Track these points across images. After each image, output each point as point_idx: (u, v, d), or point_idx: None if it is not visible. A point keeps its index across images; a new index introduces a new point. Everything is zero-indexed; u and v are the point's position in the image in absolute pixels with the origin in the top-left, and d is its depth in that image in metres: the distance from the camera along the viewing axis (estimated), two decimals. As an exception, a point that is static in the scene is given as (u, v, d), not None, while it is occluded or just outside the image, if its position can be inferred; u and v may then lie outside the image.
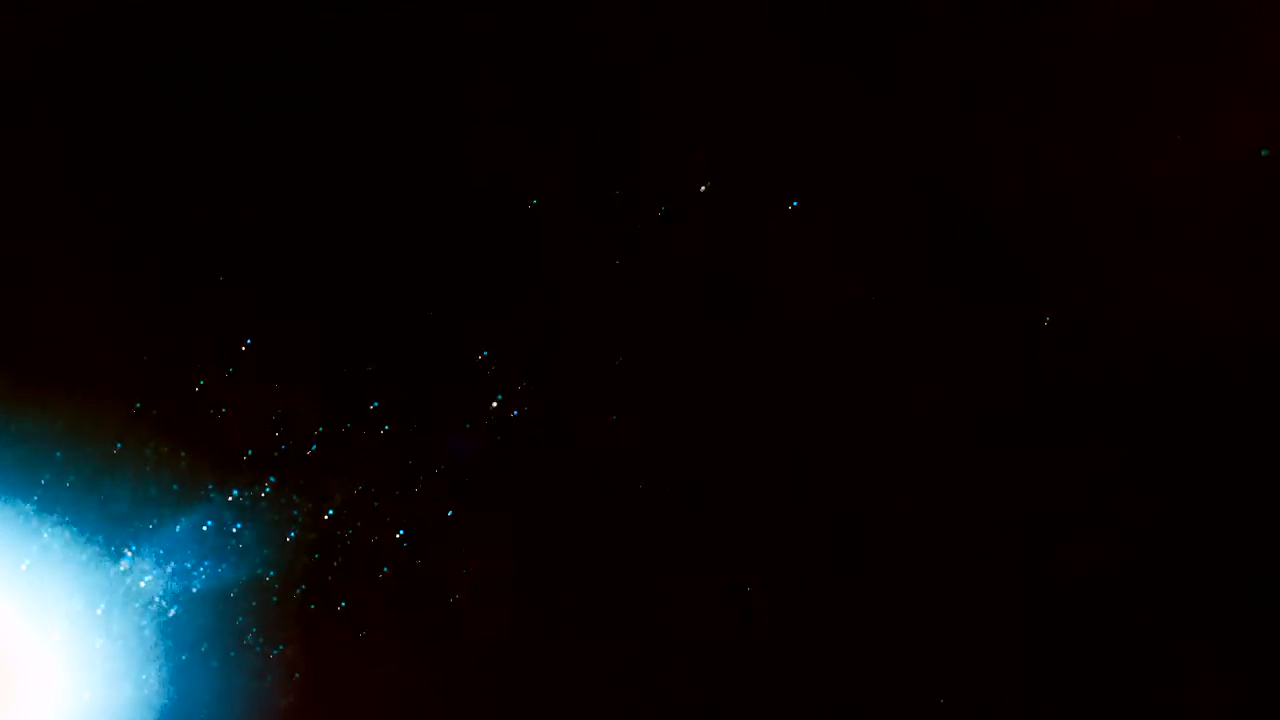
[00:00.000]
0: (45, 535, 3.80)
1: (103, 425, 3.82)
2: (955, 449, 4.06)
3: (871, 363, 4.06)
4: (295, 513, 3.94)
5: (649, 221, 3.97)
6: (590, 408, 4.04)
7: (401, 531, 3.98)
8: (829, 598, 4.07)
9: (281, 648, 3.94)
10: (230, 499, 3.90)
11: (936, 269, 4.01)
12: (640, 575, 4.08)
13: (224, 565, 3.90)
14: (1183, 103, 3.88)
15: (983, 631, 4.06)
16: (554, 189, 3.97)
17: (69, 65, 3.83)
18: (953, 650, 4.06)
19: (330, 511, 3.95)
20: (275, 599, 3.93)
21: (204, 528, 3.89)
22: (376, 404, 3.95)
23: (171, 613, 3.87)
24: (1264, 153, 3.85)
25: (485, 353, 3.97)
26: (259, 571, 3.92)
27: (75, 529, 3.82)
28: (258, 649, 3.92)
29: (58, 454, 3.79)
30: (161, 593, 3.87)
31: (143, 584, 3.86)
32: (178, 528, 3.88)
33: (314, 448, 3.93)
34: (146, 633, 3.87)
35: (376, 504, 3.97)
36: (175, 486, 3.87)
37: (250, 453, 3.91)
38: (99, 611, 3.84)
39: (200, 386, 3.86)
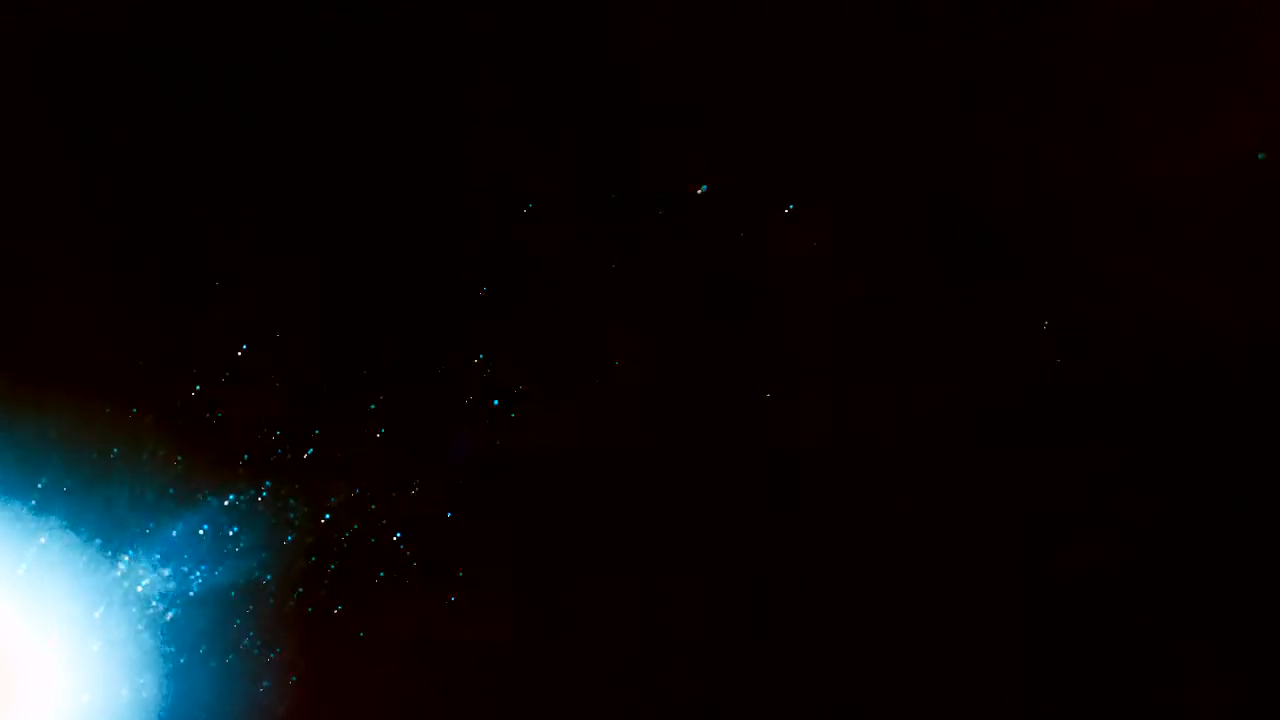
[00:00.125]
0: (43, 537, 3.79)
1: (101, 427, 3.81)
2: (955, 449, 4.06)
3: (871, 363, 4.06)
4: (292, 515, 3.93)
5: (649, 221, 3.97)
6: (589, 409, 4.04)
7: (399, 534, 3.97)
8: (829, 598, 4.07)
9: (279, 650, 3.94)
10: (228, 501, 3.89)
11: (936, 269, 4.01)
12: (640, 575, 4.08)
13: (222, 567, 3.90)
14: (1183, 103, 3.89)
15: (983, 631, 4.06)
16: (554, 189, 3.97)
17: (69, 65, 3.83)
18: (953, 650, 4.06)
19: (328, 514, 3.94)
20: (273, 601, 3.93)
21: (202, 530, 3.88)
22: (375, 406, 3.94)
23: (169, 615, 3.87)
24: (1260, 156, 3.86)
25: (483, 354, 3.97)
26: (257, 574, 3.92)
27: (73, 531, 3.81)
28: (256, 651, 3.91)
29: (56, 456, 3.78)
30: (159, 595, 3.86)
31: (141, 586, 3.85)
32: (176, 530, 3.87)
33: (311, 450, 3.93)
34: (144, 635, 3.86)
35: (374, 506, 3.96)
36: (173, 489, 3.86)
37: (248, 455, 3.90)
38: (97, 614, 3.83)
39: (199, 388, 3.86)
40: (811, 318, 4.03)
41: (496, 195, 3.97)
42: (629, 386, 4.04)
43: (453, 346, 3.98)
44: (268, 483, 3.91)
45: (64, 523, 3.80)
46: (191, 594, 3.88)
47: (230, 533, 3.90)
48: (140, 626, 3.85)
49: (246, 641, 3.91)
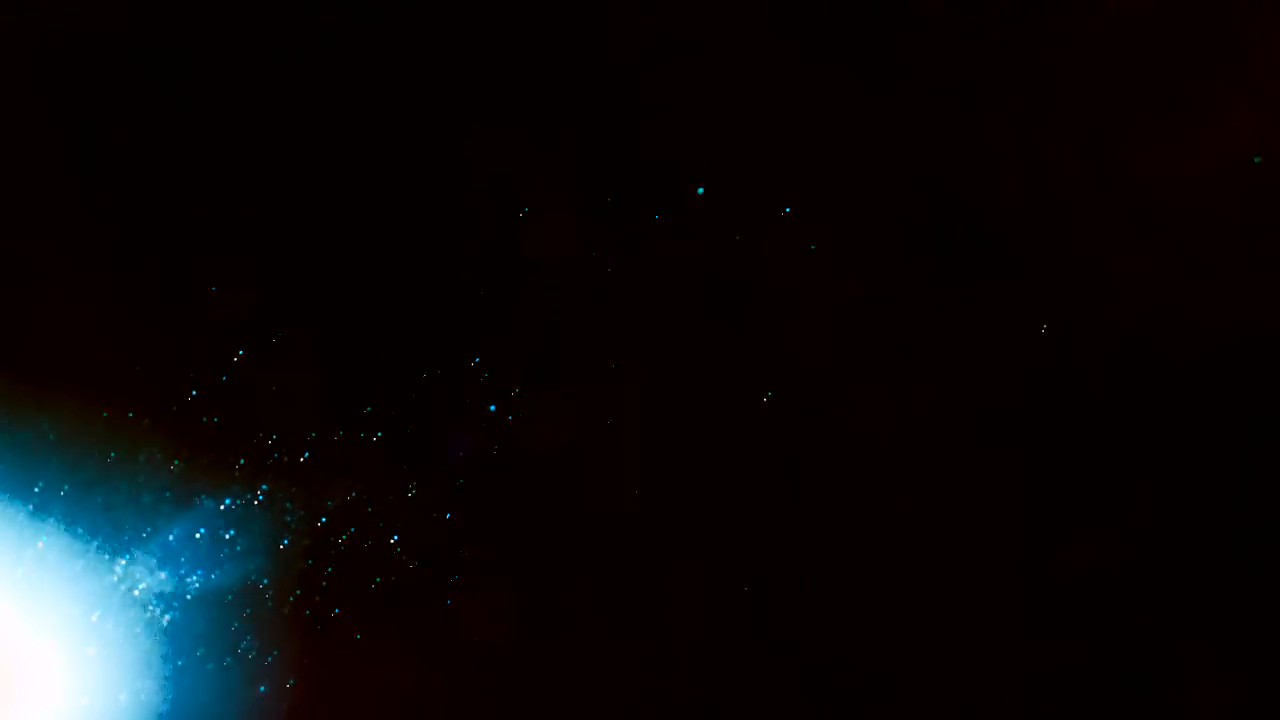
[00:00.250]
0: (42, 540, 3.78)
1: (100, 429, 3.81)
2: (955, 449, 4.07)
3: (871, 363, 4.06)
4: (290, 518, 3.92)
5: (649, 222, 3.97)
6: (588, 410, 4.04)
7: (397, 536, 3.96)
8: (829, 598, 4.07)
9: (277, 653, 3.93)
10: (226, 503, 3.89)
11: (936, 269, 4.02)
12: (640, 575, 4.07)
13: (220, 570, 3.89)
14: (1183, 103, 3.90)
15: (983, 631, 4.06)
16: (554, 189, 3.97)
17: (69, 65, 3.82)
18: (953, 650, 4.06)
19: (326, 516, 3.93)
20: (271, 603, 3.92)
21: (200, 532, 3.87)
22: (373, 408, 3.94)
23: (168, 618, 3.86)
24: (1256, 160, 3.87)
25: (482, 355, 3.96)
26: (255, 576, 3.91)
27: (72, 533, 3.80)
28: (254, 654, 3.91)
29: (55, 458, 3.77)
30: (158, 598, 3.85)
31: (139, 589, 3.84)
32: (174, 532, 3.86)
33: (309, 453, 3.92)
34: (143, 638, 3.85)
35: (371, 508, 3.95)
36: (171, 491, 3.85)
37: (246, 457, 3.90)
38: (95, 617, 3.82)
39: (197, 391, 3.85)
40: (811, 318, 4.03)
41: (496, 195, 3.97)
42: (629, 387, 4.04)
43: (452, 347, 3.98)
44: (266, 485, 3.90)
45: (62, 525, 3.79)
46: (190, 596, 3.87)
47: (228, 535, 3.89)
48: (138, 629, 3.84)
49: (245, 644, 3.90)
